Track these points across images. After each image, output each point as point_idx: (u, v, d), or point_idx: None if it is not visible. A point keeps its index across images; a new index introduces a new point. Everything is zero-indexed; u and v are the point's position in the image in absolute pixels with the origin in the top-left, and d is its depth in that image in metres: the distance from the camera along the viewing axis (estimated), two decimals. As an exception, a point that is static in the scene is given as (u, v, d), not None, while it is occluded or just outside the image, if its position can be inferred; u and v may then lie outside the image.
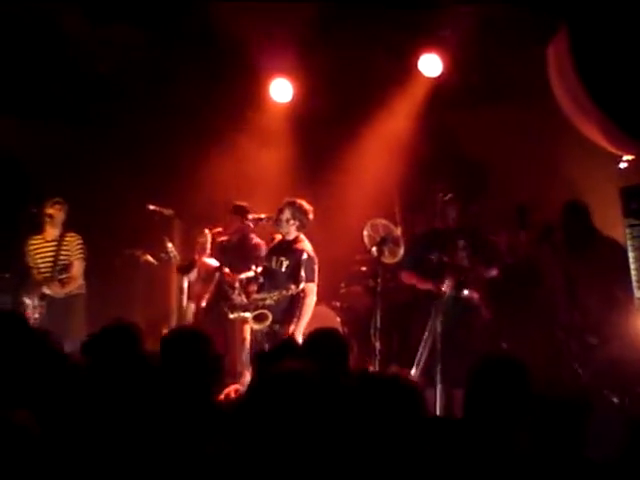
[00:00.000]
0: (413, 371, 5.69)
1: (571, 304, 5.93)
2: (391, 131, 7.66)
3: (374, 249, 6.10)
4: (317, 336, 4.05)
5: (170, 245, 6.73)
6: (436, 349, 5.53)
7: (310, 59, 7.38)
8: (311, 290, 6.19)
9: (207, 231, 6.63)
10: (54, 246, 7.03)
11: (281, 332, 6.12)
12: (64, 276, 6.98)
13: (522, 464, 2.95)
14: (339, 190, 7.72)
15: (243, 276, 6.41)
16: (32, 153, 7.80)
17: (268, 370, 2.41)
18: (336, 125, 7.84)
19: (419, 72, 7.34)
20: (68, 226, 7.12)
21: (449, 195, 5.90)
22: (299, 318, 6.12)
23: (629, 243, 5.51)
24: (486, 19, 6.51)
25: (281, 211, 6.34)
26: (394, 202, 7.29)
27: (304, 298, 6.14)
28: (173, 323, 6.59)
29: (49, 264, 6.99)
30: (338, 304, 7.41)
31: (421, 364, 5.73)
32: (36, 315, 6.78)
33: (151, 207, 6.87)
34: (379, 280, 6.04)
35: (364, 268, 7.53)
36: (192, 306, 6.63)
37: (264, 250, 6.64)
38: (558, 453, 3.15)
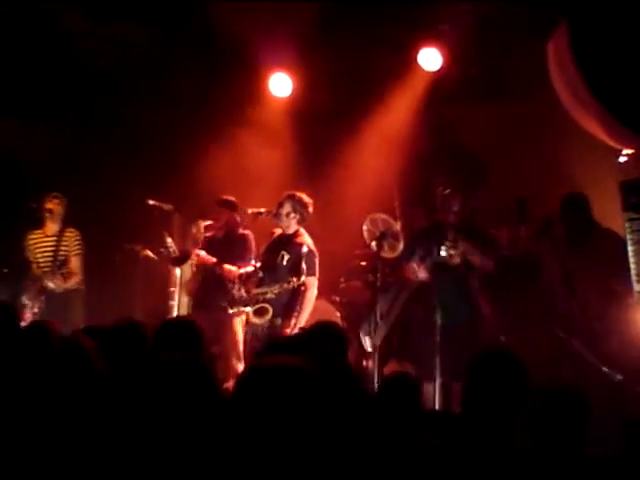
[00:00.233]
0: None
1: (570, 298, 5.93)
2: (391, 125, 7.65)
3: (373, 244, 6.10)
4: (317, 329, 4.06)
5: (170, 240, 6.73)
6: (435, 342, 5.53)
7: (309, 54, 7.37)
8: (312, 284, 6.19)
9: (201, 222, 6.62)
10: (54, 241, 7.07)
11: (282, 326, 6.12)
12: (64, 270, 7.01)
13: (520, 458, 2.95)
14: (338, 184, 7.71)
15: (242, 270, 6.41)
16: (32, 149, 7.80)
17: (256, 364, 2.40)
18: (336, 119, 7.83)
19: (419, 66, 7.32)
20: (68, 221, 7.16)
21: (448, 189, 5.89)
22: (300, 312, 6.12)
23: (628, 237, 5.50)
24: (486, 13, 6.51)
25: (281, 205, 6.34)
26: (393, 197, 7.27)
27: (305, 292, 6.14)
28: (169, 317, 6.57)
29: (49, 259, 7.03)
30: (337, 299, 7.41)
31: (420, 358, 5.73)
32: (35, 309, 6.81)
33: (151, 202, 6.87)
34: (379, 275, 6.03)
35: (363, 263, 7.53)
36: (186, 299, 6.61)
37: (252, 242, 6.63)
38: (557, 448, 3.14)
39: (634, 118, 5.62)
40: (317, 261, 6.24)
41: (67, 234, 7.11)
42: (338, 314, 7.16)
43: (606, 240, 5.86)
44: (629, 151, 6.19)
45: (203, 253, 6.67)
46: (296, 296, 6.15)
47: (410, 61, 7.31)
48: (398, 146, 7.50)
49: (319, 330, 4.04)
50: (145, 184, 7.47)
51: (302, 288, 6.09)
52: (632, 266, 5.48)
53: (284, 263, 6.25)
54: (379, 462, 2.86)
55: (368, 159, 7.69)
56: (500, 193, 7.05)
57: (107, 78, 7.71)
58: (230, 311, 6.31)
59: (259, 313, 6.10)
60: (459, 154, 7.51)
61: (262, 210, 6.51)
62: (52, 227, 7.10)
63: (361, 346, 6.31)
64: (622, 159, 6.27)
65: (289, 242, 6.33)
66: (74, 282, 7.07)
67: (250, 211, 6.55)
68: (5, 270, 7.26)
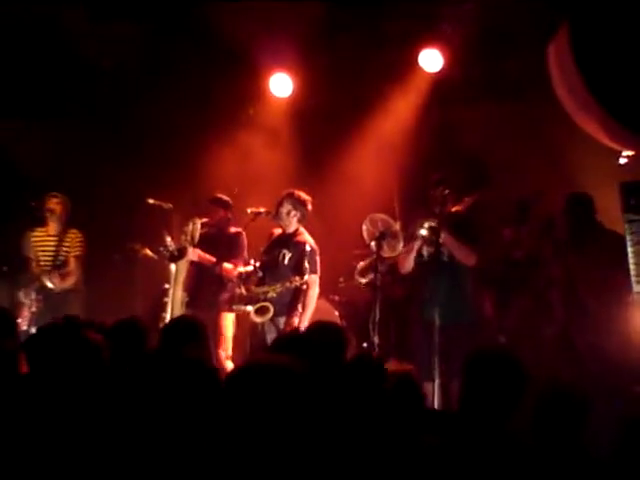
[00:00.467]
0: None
1: (570, 299, 5.93)
2: (391, 126, 7.65)
3: (373, 243, 6.09)
4: (316, 329, 4.05)
5: (169, 239, 6.72)
6: (434, 342, 5.53)
7: (310, 54, 7.38)
8: (314, 282, 6.19)
9: (197, 220, 6.61)
10: (56, 241, 7.10)
11: (285, 325, 6.11)
12: (63, 270, 7.03)
13: (518, 456, 2.95)
14: (338, 184, 7.70)
15: (242, 269, 6.40)
16: (31, 148, 7.79)
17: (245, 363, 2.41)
18: (336, 120, 7.83)
19: (420, 67, 7.32)
20: (70, 221, 7.15)
21: (448, 190, 5.89)
22: (303, 310, 6.13)
23: (628, 238, 5.51)
24: (487, 14, 6.51)
25: (280, 204, 6.34)
26: (393, 197, 7.28)
27: (307, 290, 6.14)
28: (168, 314, 6.55)
29: (49, 258, 7.07)
30: (337, 298, 7.41)
31: (418, 358, 5.73)
32: (33, 309, 6.82)
33: (150, 201, 6.87)
34: (378, 274, 6.03)
35: (363, 262, 7.52)
36: (183, 295, 6.59)
37: (243, 241, 6.61)
38: (556, 447, 3.15)
39: (634, 119, 5.62)
40: (318, 259, 6.25)
41: (70, 235, 7.16)
42: (337, 313, 7.17)
43: (610, 241, 5.86)
44: (629, 153, 6.18)
45: (198, 251, 6.66)
46: (298, 295, 6.15)
47: (411, 62, 7.31)
48: (398, 146, 7.51)
49: (317, 330, 4.03)
50: (145, 183, 7.47)
51: (304, 286, 6.09)
52: (631, 267, 5.48)
53: (286, 262, 6.25)
54: (378, 461, 2.85)
55: (368, 159, 7.69)
56: (501, 194, 7.05)
57: (108, 78, 7.72)
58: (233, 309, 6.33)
59: (260, 312, 6.09)
60: (460, 155, 7.50)
61: (261, 210, 6.50)
62: (55, 226, 7.14)
63: (359, 345, 6.31)
64: (622, 161, 6.26)
65: (290, 241, 6.33)
66: (72, 282, 7.09)
67: (249, 211, 6.54)
68: (5, 268, 7.26)
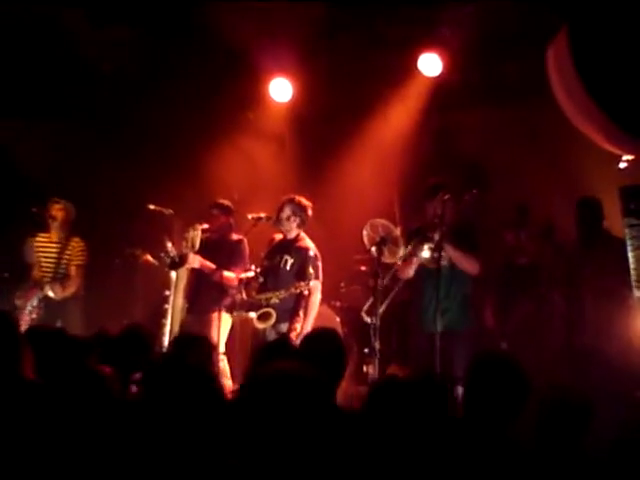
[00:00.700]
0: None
1: (571, 304, 5.93)
2: (391, 130, 7.66)
3: (373, 249, 6.09)
4: (315, 337, 4.03)
5: (170, 245, 6.70)
6: (435, 348, 5.52)
7: (310, 59, 7.39)
8: (316, 288, 6.19)
9: (198, 226, 6.60)
10: (59, 247, 7.07)
11: (288, 331, 6.09)
12: (65, 281, 7.01)
13: (521, 460, 2.95)
14: (338, 189, 7.71)
15: (243, 275, 6.39)
16: (32, 148, 7.80)
17: (260, 370, 2.39)
18: (336, 124, 7.84)
19: (419, 71, 7.32)
20: (74, 228, 7.14)
21: (448, 195, 5.88)
22: (306, 316, 6.12)
23: (628, 243, 5.51)
24: (486, 19, 6.51)
25: (281, 209, 6.34)
26: (393, 202, 7.28)
27: (310, 296, 6.14)
28: (168, 321, 6.55)
29: (51, 264, 7.04)
30: (338, 304, 7.41)
31: (419, 364, 5.72)
32: (34, 315, 6.80)
33: (151, 207, 6.85)
34: (379, 280, 6.02)
35: (364, 268, 7.53)
36: (183, 302, 6.58)
37: (245, 248, 6.58)
38: (559, 452, 3.15)
39: (634, 123, 5.62)
40: (320, 265, 6.24)
41: (72, 243, 7.11)
42: (338, 319, 7.16)
43: (614, 248, 5.84)
44: (629, 157, 6.18)
45: (199, 258, 6.65)
46: (300, 301, 6.14)
47: (410, 66, 7.32)
48: (398, 151, 7.52)
49: (317, 337, 4.02)
50: (145, 188, 7.47)
51: (306, 292, 6.08)
52: (632, 272, 5.48)
53: (287, 268, 6.24)
54: (384, 466, 2.85)
55: (368, 164, 7.69)
56: (501, 198, 7.05)
57: (108, 82, 7.72)
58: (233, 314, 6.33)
59: (263, 318, 6.08)
60: (459, 159, 7.51)
61: (262, 215, 6.47)
62: (58, 233, 7.10)
63: (361, 351, 6.30)
64: (622, 165, 6.26)
65: (292, 246, 6.32)
66: (73, 291, 7.07)
67: (250, 216, 6.52)
68: (6, 275, 7.26)
